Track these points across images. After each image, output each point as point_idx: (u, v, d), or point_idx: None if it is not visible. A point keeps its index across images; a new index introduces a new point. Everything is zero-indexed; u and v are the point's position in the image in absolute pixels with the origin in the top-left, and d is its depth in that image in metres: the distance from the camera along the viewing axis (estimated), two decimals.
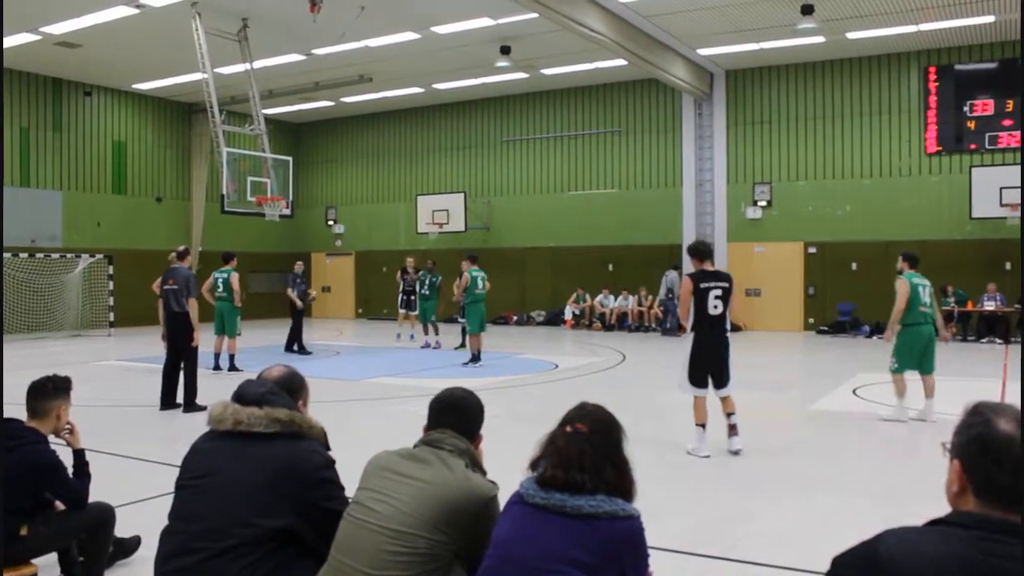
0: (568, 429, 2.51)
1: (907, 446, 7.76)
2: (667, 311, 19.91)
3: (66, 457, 4.00)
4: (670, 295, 19.77)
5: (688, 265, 8.20)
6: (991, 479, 1.59)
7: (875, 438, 8.05)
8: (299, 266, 16.17)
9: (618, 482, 2.46)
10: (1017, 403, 1.72)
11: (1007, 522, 1.54)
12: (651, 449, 7.23)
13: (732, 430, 7.32)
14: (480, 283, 14.09)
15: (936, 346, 8.78)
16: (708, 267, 7.40)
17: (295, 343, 15.73)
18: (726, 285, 7.31)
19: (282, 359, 15.61)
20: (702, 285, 7.24)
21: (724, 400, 7.34)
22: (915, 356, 8.66)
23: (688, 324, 7.34)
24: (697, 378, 7.28)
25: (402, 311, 18.37)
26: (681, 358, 7.37)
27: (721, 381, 7.31)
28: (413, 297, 17.96)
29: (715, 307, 7.23)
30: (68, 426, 4.11)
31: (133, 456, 7.22)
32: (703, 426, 7.22)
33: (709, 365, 7.28)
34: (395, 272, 19.49)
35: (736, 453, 7.18)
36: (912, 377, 8.72)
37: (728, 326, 7.39)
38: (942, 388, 8.67)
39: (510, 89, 23.55)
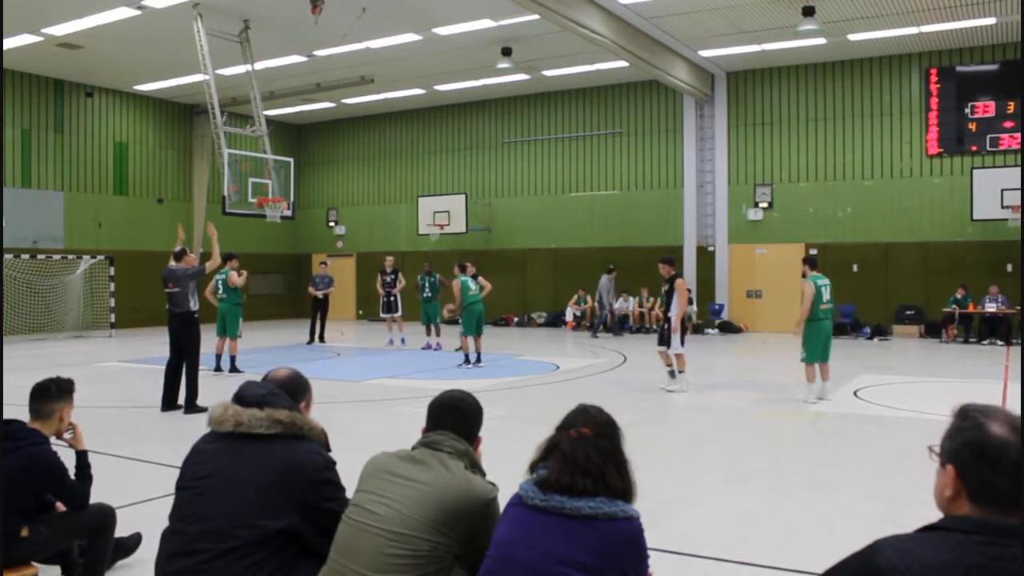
0: (573, 433, 2.50)
1: (909, 447, 7.73)
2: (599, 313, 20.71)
3: (68, 458, 4.00)
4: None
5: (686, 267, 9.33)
6: (987, 484, 1.57)
7: (876, 439, 8.05)
8: (323, 267, 18.81)
9: (620, 483, 2.45)
10: (1018, 405, 1.71)
11: (1007, 525, 1.53)
12: (653, 450, 7.24)
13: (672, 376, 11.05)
14: (472, 285, 13.97)
15: (833, 339, 10.33)
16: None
17: (322, 334, 18.08)
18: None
19: (309, 352, 15.96)
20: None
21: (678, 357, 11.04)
22: (819, 347, 10.16)
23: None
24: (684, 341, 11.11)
25: (385, 315, 17.85)
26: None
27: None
28: (393, 299, 17.62)
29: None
30: (70, 428, 4.11)
31: (134, 457, 7.22)
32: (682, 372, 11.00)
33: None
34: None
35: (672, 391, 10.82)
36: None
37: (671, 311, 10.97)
38: (944, 389, 8.67)
39: (511, 91, 23.56)
